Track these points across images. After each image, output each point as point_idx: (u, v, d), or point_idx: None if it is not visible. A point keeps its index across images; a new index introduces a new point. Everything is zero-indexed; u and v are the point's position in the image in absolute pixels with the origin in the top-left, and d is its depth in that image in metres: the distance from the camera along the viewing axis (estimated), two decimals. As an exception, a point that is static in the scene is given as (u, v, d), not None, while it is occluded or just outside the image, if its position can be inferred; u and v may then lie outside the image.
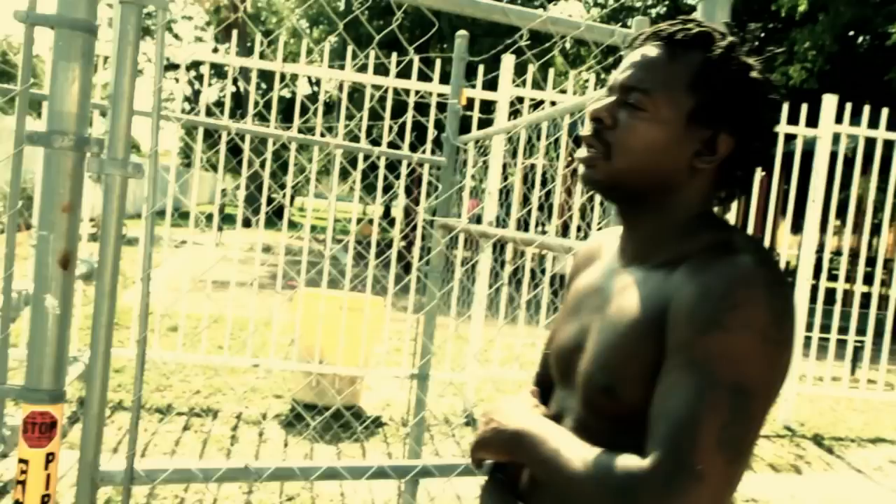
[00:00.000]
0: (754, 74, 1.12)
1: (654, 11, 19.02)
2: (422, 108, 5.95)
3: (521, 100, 6.37)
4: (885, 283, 7.44)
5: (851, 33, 16.23)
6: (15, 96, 1.36)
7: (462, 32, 3.23)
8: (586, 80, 7.92)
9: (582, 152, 1.17)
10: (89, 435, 1.50)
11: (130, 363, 5.93)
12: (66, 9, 1.25)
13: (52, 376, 1.40)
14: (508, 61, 6.25)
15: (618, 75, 1.17)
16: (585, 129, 1.17)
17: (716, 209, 1.19)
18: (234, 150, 5.99)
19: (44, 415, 1.40)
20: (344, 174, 6.40)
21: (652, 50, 1.15)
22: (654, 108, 1.12)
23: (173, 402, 5.42)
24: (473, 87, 6.11)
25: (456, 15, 2.53)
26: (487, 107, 6.39)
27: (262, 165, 5.68)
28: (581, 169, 1.17)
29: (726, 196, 1.19)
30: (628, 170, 1.13)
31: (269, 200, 6.76)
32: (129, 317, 6.51)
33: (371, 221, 6.80)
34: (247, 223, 11.85)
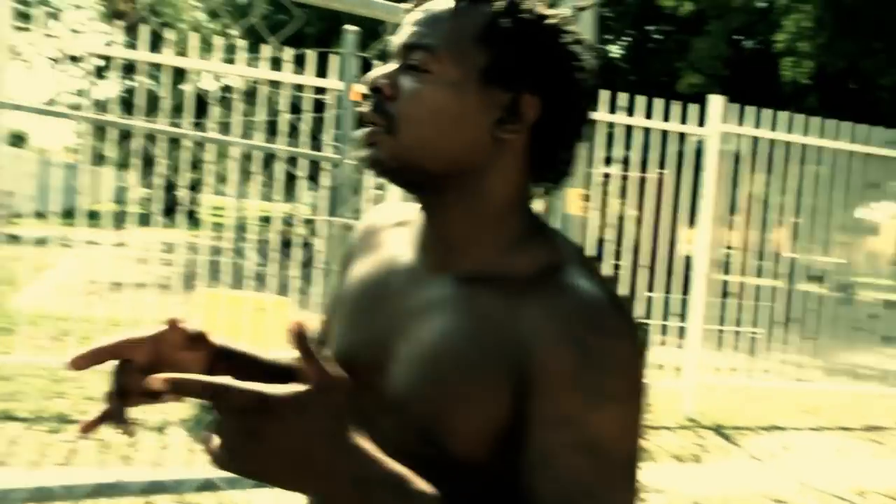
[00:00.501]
0: (550, 23, 0.96)
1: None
2: (320, 105, 5.86)
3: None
4: (778, 276, 7.76)
5: (741, 38, 16.98)
6: None
7: (352, 27, 3.18)
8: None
9: (361, 131, 0.98)
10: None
11: (19, 370, 5.68)
12: None
13: None
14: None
15: (399, 35, 0.99)
16: (364, 105, 0.98)
17: (534, 198, 1.03)
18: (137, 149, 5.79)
19: None
20: (246, 172, 6.27)
21: (437, 4, 0.97)
22: (439, 68, 0.94)
23: (67, 411, 5.20)
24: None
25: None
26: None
27: (155, 162, 5.50)
28: (363, 151, 0.97)
29: (543, 177, 1.01)
30: (418, 145, 0.95)
31: (170, 198, 6.57)
32: (17, 320, 6.22)
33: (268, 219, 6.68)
34: (145, 221, 11.49)
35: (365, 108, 0.97)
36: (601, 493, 0.83)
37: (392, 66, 0.97)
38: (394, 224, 1.12)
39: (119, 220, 7.39)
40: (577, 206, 1.56)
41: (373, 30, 4.35)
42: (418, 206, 1.02)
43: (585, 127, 1.00)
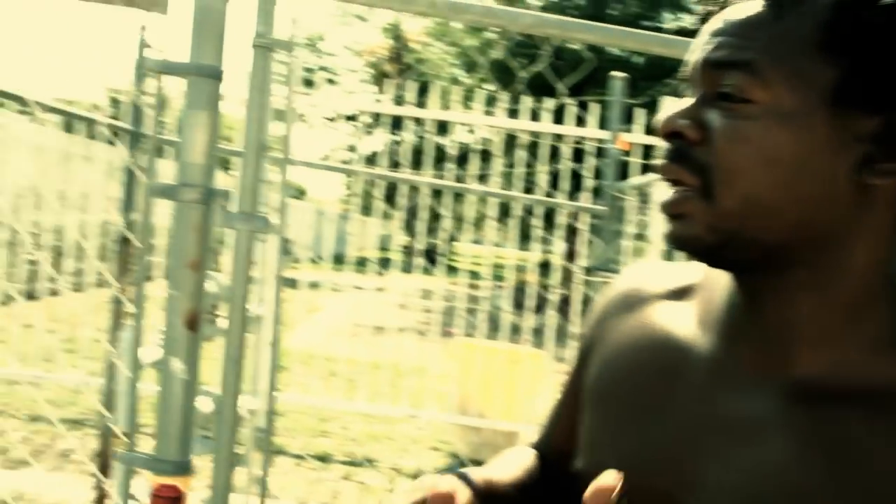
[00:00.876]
0: None
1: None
2: (579, 154, 5.80)
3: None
4: None
5: None
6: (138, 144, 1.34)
7: (619, 74, 3.07)
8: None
9: (662, 195, 0.71)
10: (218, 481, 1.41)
11: (291, 407, 6.05)
12: (196, 56, 1.21)
13: (178, 446, 1.32)
14: (669, 104, 5.99)
15: (695, 55, 0.70)
16: (660, 158, 0.71)
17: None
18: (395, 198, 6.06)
19: (169, 488, 1.33)
20: (502, 220, 6.33)
21: (744, 6, 0.67)
22: (767, 95, 0.64)
23: (331, 450, 5.44)
24: (630, 131, 5.92)
25: (614, 59, 2.38)
26: (648, 152, 6.16)
27: (418, 212, 5.69)
28: (670, 225, 0.70)
29: None
30: (748, 209, 0.65)
31: (430, 246, 6.79)
32: (290, 359, 6.66)
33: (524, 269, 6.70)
34: (407, 269, 12.07)
35: (662, 162, 0.70)
36: None
37: (690, 100, 0.69)
38: (669, 292, 0.83)
39: (383, 266, 7.75)
40: None
41: (633, 79, 4.21)
42: (718, 275, 0.75)
43: None
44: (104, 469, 3.30)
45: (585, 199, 5.00)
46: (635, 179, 3.50)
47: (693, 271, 0.82)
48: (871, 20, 0.63)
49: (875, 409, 0.62)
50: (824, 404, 0.64)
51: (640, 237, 6.17)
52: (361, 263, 7.53)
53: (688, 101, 0.69)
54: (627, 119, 3.63)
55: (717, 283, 0.75)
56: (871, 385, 0.64)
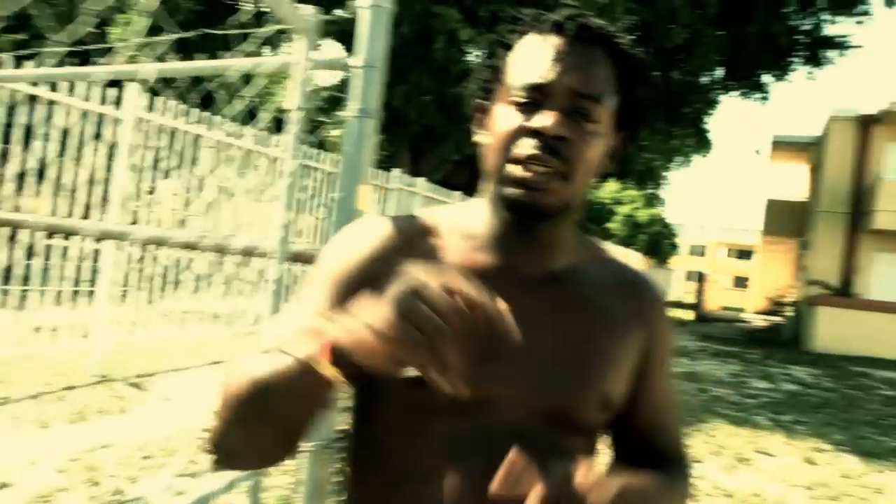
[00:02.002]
0: (643, 59, 1.06)
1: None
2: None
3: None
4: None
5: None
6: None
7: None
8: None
9: (522, 171, 1.00)
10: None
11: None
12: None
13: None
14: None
15: (557, 76, 1.01)
16: (527, 144, 1.00)
17: None
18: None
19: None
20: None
21: (586, 48, 1.02)
22: (602, 119, 1.02)
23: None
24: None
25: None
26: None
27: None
28: (521, 192, 1.00)
29: None
30: (580, 191, 1.04)
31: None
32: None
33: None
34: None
35: (532, 149, 0.99)
36: (678, 417, 1.23)
37: (557, 109, 1.00)
38: (421, 234, 1.10)
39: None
40: (367, 202, 1.62)
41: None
42: (513, 236, 1.07)
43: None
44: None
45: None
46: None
47: (418, 218, 1.12)
48: (634, 75, 1.04)
49: (592, 278, 1.10)
50: (568, 283, 1.08)
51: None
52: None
53: (559, 111, 0.99)
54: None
55: (468, 222, 1.10)
56: (592, 268, 1.12)
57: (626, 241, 30.78)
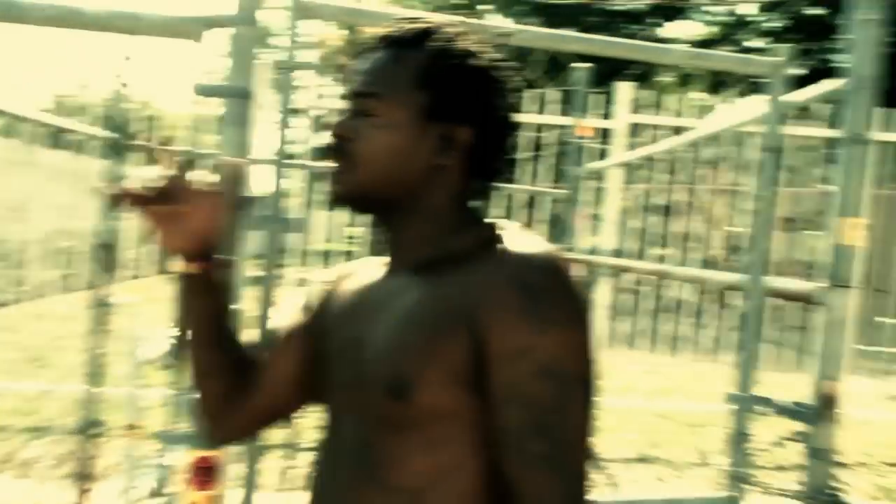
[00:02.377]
0: (475, 62, 1.11)
1: (768, 25, 18.32)
2: (536, 142, 6.00)
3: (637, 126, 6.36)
4: None
5: None
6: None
7: (582, 65, 3.29)
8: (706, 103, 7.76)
9: (328, 169, 1.15)
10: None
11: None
12: (234, 80, 1.39)
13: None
14: (625, 89, 6.24)
15: (351, 83, 1.15)
16: (330, 148, 1.15)
17: (479, 202, 1.18)
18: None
19: (205, 459, 1.49)
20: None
21: (378, 53, 1.13)
22: (386, 112, 1.11)
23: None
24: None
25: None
26: (605, 138, 6.42)
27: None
28: (329, 188, 1.15)
29: (483, 186, 1.17)
30: (373, 180, 1.12)
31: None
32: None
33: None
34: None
35: (329, 149, 1.14)
36: (561, 408, 0.98)
37: (347, 110, 1.14)
38: (357, 269, 1.27)
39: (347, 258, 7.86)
40: (856, 236, 1.39)
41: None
42: (382, 235, 1.19)
43: (513, 142, 1.17)
44: (83, 475, 3.32)
45: (541, 185, 5.19)
46: (594, 164, 3.73)
47: (372, 261, 1.25)
48: (442, 72, 1.09)
49: (450, 263, 1.08)
50: (428, 270, 1.09)
51: (595, 217, 6.42)
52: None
53: (346, 112, 1.13)
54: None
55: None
56: (447, 253, 1.10)
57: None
